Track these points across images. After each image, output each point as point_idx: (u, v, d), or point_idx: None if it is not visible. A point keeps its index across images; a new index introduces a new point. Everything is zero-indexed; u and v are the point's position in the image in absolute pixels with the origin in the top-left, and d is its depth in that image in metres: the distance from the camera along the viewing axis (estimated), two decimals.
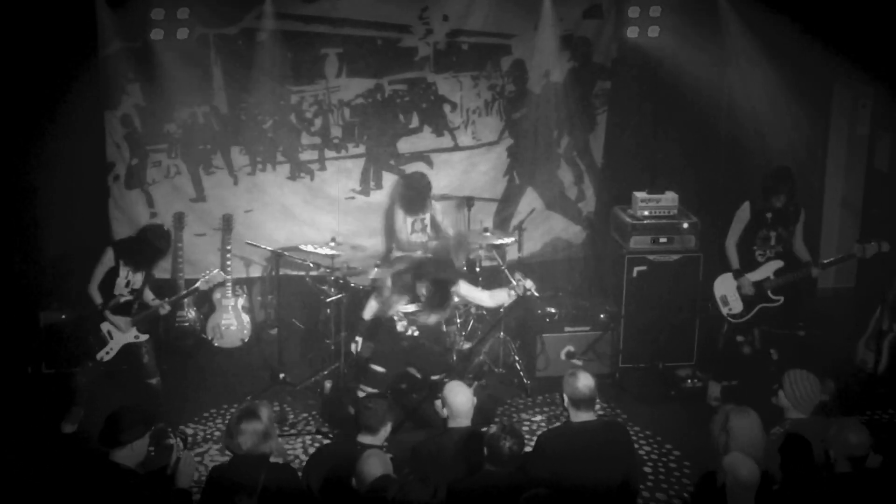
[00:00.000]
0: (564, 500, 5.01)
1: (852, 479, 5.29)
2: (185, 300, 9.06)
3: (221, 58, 9.09)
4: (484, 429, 5.65)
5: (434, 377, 7.61)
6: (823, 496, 5.26)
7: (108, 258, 7.53)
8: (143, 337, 7.71)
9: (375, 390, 7.52)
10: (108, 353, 7.62)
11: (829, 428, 5.44)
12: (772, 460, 5.55)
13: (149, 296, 7.78)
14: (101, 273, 7.53)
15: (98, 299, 7.54)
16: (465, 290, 7.59)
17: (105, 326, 7.61)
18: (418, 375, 8.12)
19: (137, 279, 7.64)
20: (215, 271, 8.03)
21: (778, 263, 8.14)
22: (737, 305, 8.24)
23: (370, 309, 7.63)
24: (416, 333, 7.62)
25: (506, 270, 8.75)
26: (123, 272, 7.57)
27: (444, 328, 8.37)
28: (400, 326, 7.61)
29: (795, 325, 8.25)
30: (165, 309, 7.79)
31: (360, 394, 7.51)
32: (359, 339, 7.67)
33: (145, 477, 5.35)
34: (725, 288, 8.28)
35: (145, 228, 7.89)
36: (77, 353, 7.78)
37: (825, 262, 8.32)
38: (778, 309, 8.18)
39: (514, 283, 7.47)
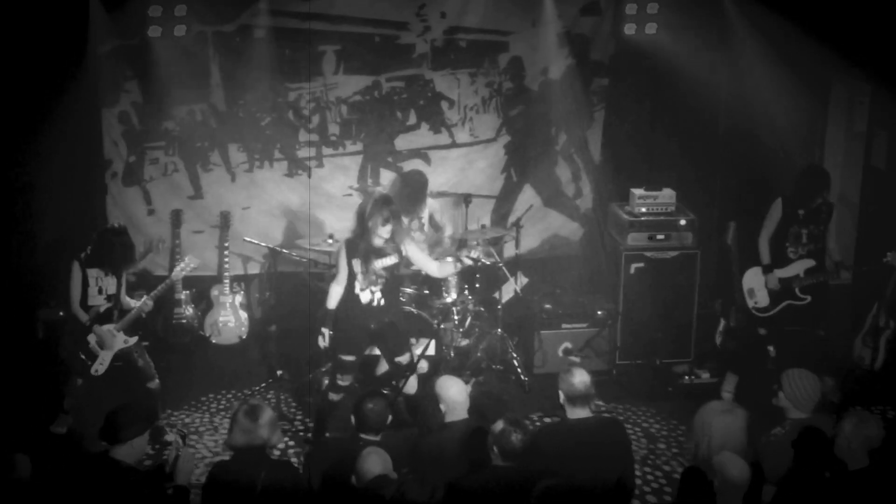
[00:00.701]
0: (577, 491, 5.01)
1: (859, 476, 5.30)
2: (183, 297, 9.05)
3: (219, 55, 9.09)
4: (498, 425, 5.60)
5: (398, 359, 7.52)
6: (835, 492, 5.27)
7: (76, 272, 7.44)
8: (132, 340, 7.64)
9: (349, 378, 7.48)
10: (101, 364, 7.55)
11: (831, 424, 5.45)
12: (769, 460, 5.56)
13: (127, 301, 7.71)
14: (77, 289, 7.45)
15: (84, 317, 7.47)
16: (413, 252, 7.44)
17: (93, 339, 7.54)
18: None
19: (109, 283, 7.54)
20: (187, 258, 7.96)
21: (809, 262, 8.12)
22: (763, 299, 8.24)
23: (334, 296, 7.39)
24: (383, 301, 7.41)
25: (504, 268, 8.76)
26: (92, 280, 7.47)
27: (410, 308, 8.31)
28: (364, 297, 7.35)
29: (818, 324, 8.26)
30: (148, 305, 7.64)
31: (341, 382, 7.45)
32: (325, 330, 7.38)
33: (145, 474, 5.36)
34: (754, 281, 8.28)
35: (103, 231, 7.70)
36: (67, 370, 7.71)
37: (859, 267, 8.31)
38: (804, 307, 8.18)
39: (462, 256, 7.40)
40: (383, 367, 8.37)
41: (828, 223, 8.15)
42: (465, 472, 5.60)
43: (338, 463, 5.57)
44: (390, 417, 5.93)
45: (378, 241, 7.21)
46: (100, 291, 7.53)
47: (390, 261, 7.32)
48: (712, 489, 5.09)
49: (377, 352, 7.77)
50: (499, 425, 5.52)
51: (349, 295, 7.36)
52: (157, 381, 7.71)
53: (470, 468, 5.68)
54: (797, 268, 8.15)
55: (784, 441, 5.62)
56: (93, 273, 7.48)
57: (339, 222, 9.55)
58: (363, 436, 5.80)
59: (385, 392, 7.94)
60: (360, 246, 7.25)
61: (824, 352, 8.31)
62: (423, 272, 7.99)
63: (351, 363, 7.46)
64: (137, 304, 7.63)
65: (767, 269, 8.20)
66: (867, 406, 7.87)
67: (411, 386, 7.38)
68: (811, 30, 8.49)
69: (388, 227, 7.16)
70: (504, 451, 5.43)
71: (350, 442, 5.86)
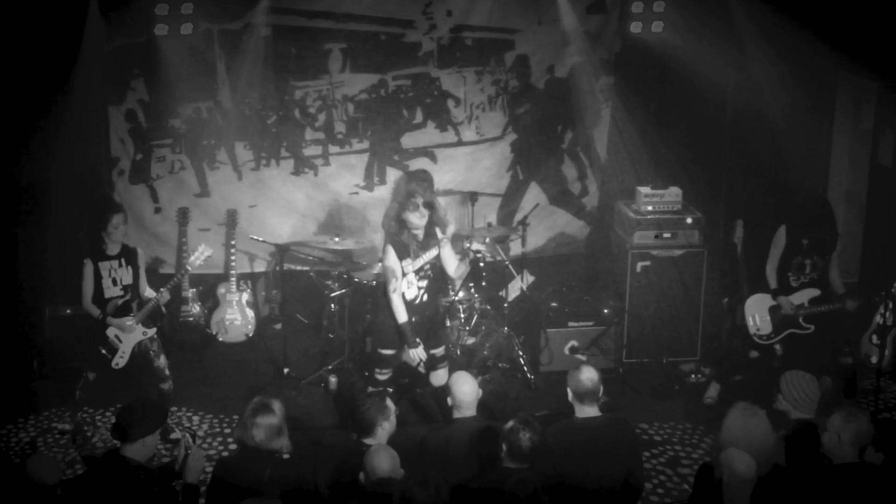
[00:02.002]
0: (555, 487, 4.99)
1: (854, 471, 5.29)
2: (190, 294, 9.07)
3: (225, 53, 9.10)
4: (508, 424, 5.57)
5: (434, 351, 7.51)
6: (826, 487, 5.26)
7: (88, 268, 7.47)
8: (151, 331, 7.66)
9: (388, 372, 7.53)
10: (122, 357, 7.57)
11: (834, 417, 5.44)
12: (781, 460, 5.55)
13: (147, 291, 7.76)
14: (90, 285, 7.47)
15: (96, 312, 7.49)
16: (445, 247, 7.43)
17: (112, 332, 7.55)
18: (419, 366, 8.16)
19: (124, 274, 7.56)
20: (201, 247, 7.96)
21: (814, 291, 8.05)
22: (766, 327, 8.20)
23: (401, 307, 7.29)
24: (426, 297, 7.46)
25: (510, 266, 8.80)
26: (105, 272, 7.49)
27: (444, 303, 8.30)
28: (409, 294, 7.36)
29: (840, 351, 8.16)
30: (165, 296, 7.68)
31: (379, 376, 7.50)
32: (418, 341, 7.35)
33: (155, 472, 5.36)
34: (757, 308, 8.22)
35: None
36: (81, 362, 7.74)
37: (867, 297, 8.23)
38: (807, 337, 8.11)
39: (464, 252, 7.41)
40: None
41: (831, 253, 8.10)
42: (474, 473, 5.59)
43: (344, 463, 5.56)
44: (387, 423, 5.86)
45: (418, 233, 7.26)
46: (114, 283, 7.54)
47: (434, 253, 7.34)
48: (721, 484, 5.08)
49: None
50: (509, 424, 5.49)
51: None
52: (169, 383, 7.72)
53: (479, 467, 5.67)
54: (802, 297, 8.11)
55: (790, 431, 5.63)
56: (105, 265, 7.50)
57: (344, 220, 9.57)
58: (363, 440, 5.77)
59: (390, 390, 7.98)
60: (403, 243, 7.29)
61: (832, 351, 8.30)
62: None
63: (390, 357, 7.53)
64: (154, 295, 7.66)
65: (778, 293, 8.09)
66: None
67: (440, 378, 7.43)
68: (817, 28, 8.48)
69: (426, 213, 7.20)
70: (511, 449, 5.41)
71: (355, 443, 5.83)
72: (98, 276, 7.47)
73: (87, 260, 7.49)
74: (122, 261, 7.56)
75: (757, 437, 5.33)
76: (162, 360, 7.68)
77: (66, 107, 8.48)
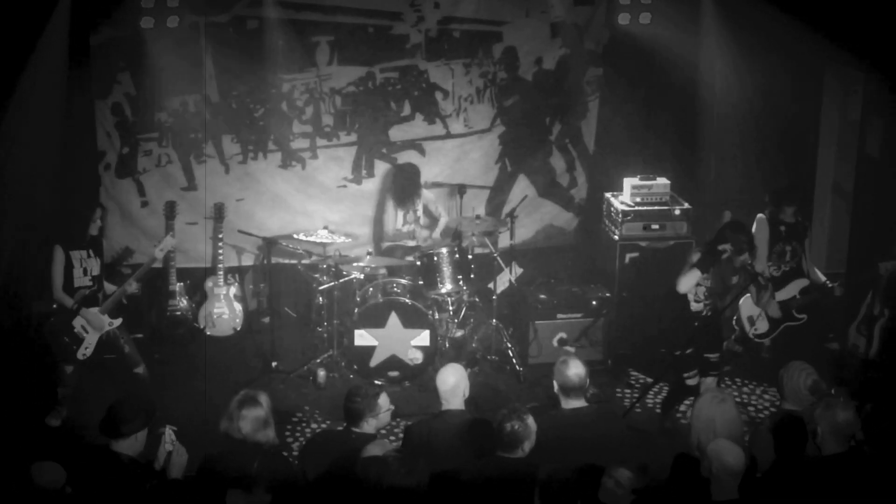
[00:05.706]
0: (585, 480, 4.96)
1: (840, 461, 5.30)
2: (178, 288, 9.02)
3: (212, 46, 9.05)
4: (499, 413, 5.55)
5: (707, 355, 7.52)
6: (812, 478, 5.27)
7: (59, 256, 7.51)
8: (117, 322, 7.69)
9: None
10: (87, 348, 7.59)
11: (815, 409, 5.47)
12: (758, 447, 5.57)
13: (107, 286, 7.79)
14: (59, 273, 7.51)
15: (69, 301, 7.53)
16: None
17: (78, 322, 7.58)
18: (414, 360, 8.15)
19: (93, 265, 7.62)
20: (167, 237, 7.98)
21: (803, 282, 8.09)
22: (762, 325, 8.21)
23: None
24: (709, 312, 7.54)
25: (498, 258, 8.81)
26: (77, 262, 7.54)
27: None
28: (695, 307, 7.49)
29: (826, 338, 8.17)
30: (132, 287, 7.73)
31: (690, 382, 7.53)
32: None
33: (146, 467, 5.33)
34: (752, 308, 8.24)
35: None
36: (57, 360, 7.74)
37: (845, 278, 8.26)
38: (802, 327, 8.15)
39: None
40: (378, 358, 8.41)
41: (805, 239, 8.12)
42: (458, 465, 5.56)
43: (333, 454, 5.54)
44: (380, 415, 5.84)
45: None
46: (84, 273, 7.57)
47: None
48: (700, 474, 5.08)
49: None
50: (501, 412, 5.47)
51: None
52: (143, 366, 7.74)
53: (463, 459, 5.64)
54: (792, 289, 8.12)
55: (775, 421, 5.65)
56: (76, 255, 7.52)
57: (332, 214, 9.55)
58: (355, 430, 5.75)
59: (379, 383, 7.99)
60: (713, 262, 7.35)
61: (819, 341, 8.31)
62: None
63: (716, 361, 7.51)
64: (119, 289, 7.68)
65: (772, 297, 8.11)
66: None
67: (709, 383, 7.44)
68: (804, 18, 8.47)
69: (743, 257, 7.32)
70: (499, 439, 5.39)
71: (344, 434, 5.82)
72: (69, 265, 7.49)
73: (58, 247, 7.50)
74: (91, 251, 7.58)
75: (721, 423, 5.35)
76: (131, 348, 7.71)
77: (52, 100, 8.38)
